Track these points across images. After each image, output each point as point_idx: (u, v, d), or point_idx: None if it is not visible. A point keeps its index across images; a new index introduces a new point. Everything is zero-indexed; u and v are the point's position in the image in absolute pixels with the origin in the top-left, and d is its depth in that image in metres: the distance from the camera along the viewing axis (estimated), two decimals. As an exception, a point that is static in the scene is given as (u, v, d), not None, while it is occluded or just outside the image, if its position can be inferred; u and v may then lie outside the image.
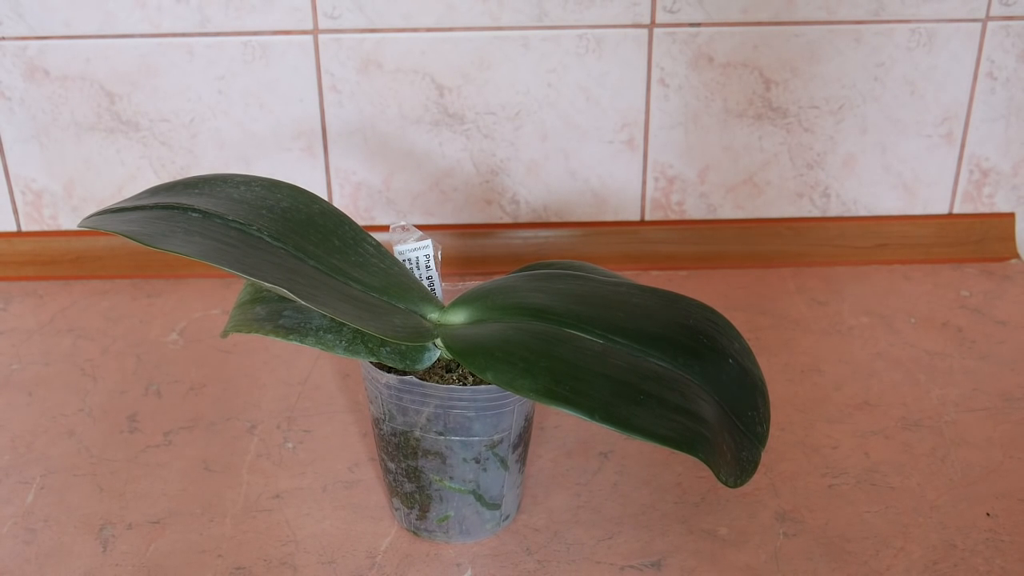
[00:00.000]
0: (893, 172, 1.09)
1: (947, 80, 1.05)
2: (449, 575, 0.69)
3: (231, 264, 0.58)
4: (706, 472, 0.78)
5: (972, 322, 0.99)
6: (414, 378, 0.66)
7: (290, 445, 0.82)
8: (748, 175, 1.08)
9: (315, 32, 1.01)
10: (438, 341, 0.65)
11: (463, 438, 0.67)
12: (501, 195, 1.08)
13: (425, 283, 0.72)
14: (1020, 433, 0.82)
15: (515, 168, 1.07)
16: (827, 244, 1.10)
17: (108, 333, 0.98)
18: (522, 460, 0.71)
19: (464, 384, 0.67)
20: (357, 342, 0.64)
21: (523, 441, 0.70)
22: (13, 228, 1.09)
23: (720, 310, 0.71)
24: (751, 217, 1.10)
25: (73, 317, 1.01)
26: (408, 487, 0.70)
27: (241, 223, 0.64)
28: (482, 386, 0.65)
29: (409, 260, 0.71)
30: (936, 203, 1.10)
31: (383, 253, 0.69)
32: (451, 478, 0.68)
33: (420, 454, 0.68)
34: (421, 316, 0.68)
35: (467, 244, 1.09)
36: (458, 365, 0.69)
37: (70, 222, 1.09)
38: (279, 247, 0.65)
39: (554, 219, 1.10)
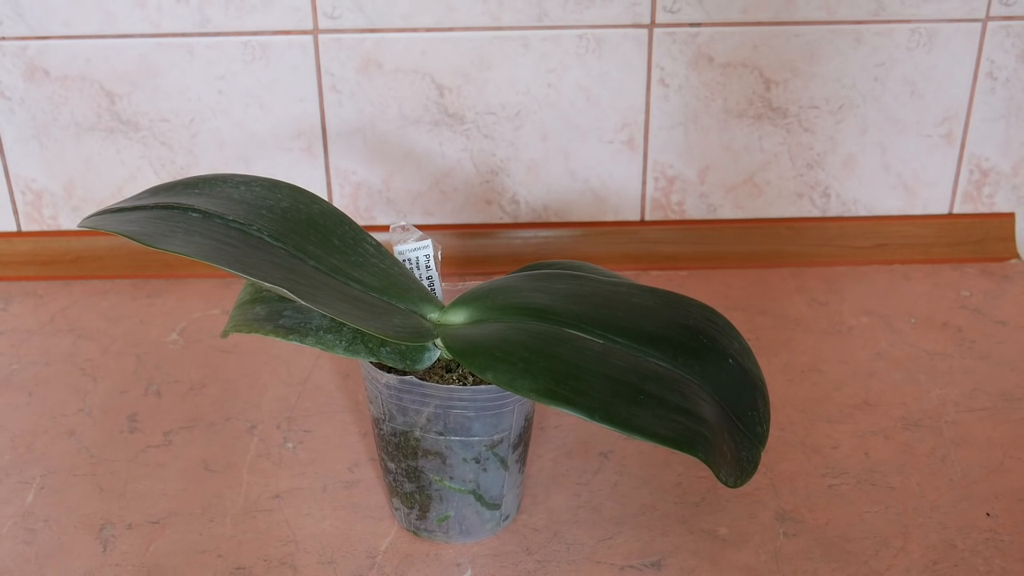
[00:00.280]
0: (893, 172, 1.09)
1: (947, 80, 1.05)
2: (449, 575, 0.69)
3: (231, 264, 0.58)
4: (706, 472, 0.78)
5: (972, 322, 0.99)
6: (414, 378, 0.66)
7: (290, 445, 0.82)
8: (748, 175, 1.08)
9: (315, 32, 1.01)
10: (438, 341, 0.65)
11: (463, 438, 0.67)
12: (501, 195, 1.08)
13: (425, 283, 0.72)
14: (1020, 433, 0.82)
15: (515, 168, 1.07)
16: (827, 244, 1.10)
17: (108, 333, 0.98)
18: (522, 460, 0.71)
19: (464, 384, 0.67)
20: (357, 342, 0.64)
21: (523, 441, 0.70)
22: (13, 228, 1.09)
23: (720, 310, 0.71)
24: (751, 217, 1.10)
25: (73, 317, 1.01)
26: (408, 487, 0.70)
27: (241, 223, 0.64)
28: (482, 386, 0.65)
29: (409, 260, 0.71)
30: (936, 203, 1.10)
31: (383, 253, 0.69)
32: (451, 478, 0.68)
33: (420, 454, 0.68)
34: (421, 316, 0.68)
35: (467, 244, 1.09)
36: (458, 365, 0.69)
37: (70, 222, 1.09)
38: (279, 247, 0.65)
39: (554, 219, 1.10)
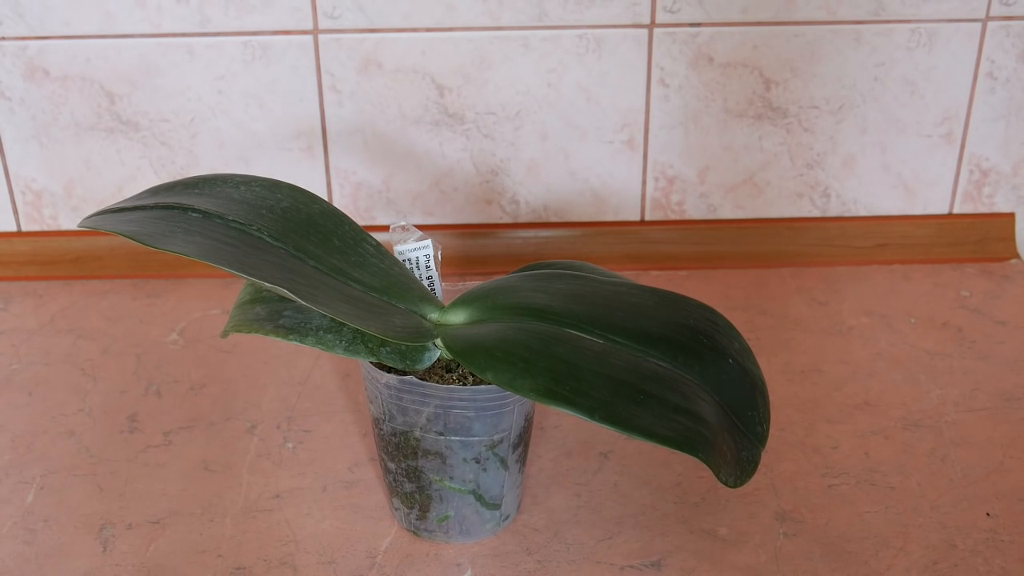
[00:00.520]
0: (893, 172, 1.09)
1: (947, 80, 1.05)
2: (449, 575, 0.69)
3: (231, 264, 0.58)
4: (706, 472, 0.78)
5: (972, 322, 0.99)
6: (414, 378, 0.66)
7: (290, 445, 0.82)
8: (748, 175, 1.08)
9: (315, 32, 1.01)
10: (438, 341, 0.65)
11: (463, 438, 0.67)
12: (501, 195, 1.08)
13: (425, 283, 0.72)
14: (1020, 433, 0.82)
15: (515, 168, 1.07)
16: (827, 244, 1.10)
17: (108, 333, 0.98)
18: (522, 460, 0.71)
19: (464, 384, 0.67)
20: (357, 342, 0.64)
21: (523, 441, 0.70)
22: (13, 228, 1.09)
23: (720, 310, 0.71)
24: (751, 217, 1.10)
25: (73, 317, 1.01)
26: (408, 487, 0.70)
27: (241, 223, 0.64)
28: (482, 386, 0.65)
29: (409, 260, 0.71)
30: (936, 203, 1.10)
31: (383, 253, 0.69)
32: (451, 478, 0.68)
33: (420, 454, 0.68)
34: (421, 316, 0.68)
35: (467, 244, 1.09)
36: (458, 365, 0.69)
37: (70, 222, 1.09)
38: (279, 247, 0.65)
39: (554, 219, 1.10)
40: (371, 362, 0.67)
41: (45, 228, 1.09)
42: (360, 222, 1.07)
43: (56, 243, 1.08)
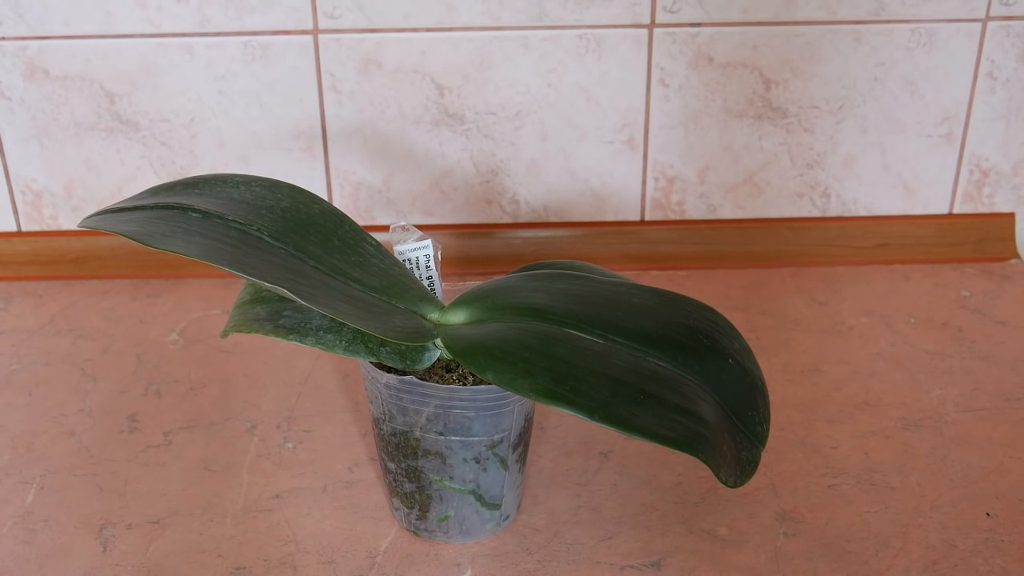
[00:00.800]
0: (893, 172, 1.09)
1: (947, 80, 1.05)
2: (449, 575, 0.69)
3: (231, 264, 0.58)
4: (706, 472, 0.78)
5: (972, 322, 0.99)
6: (414, 378, 0.66)
7: (290, 445, 0.82)
8: (748, 175, 1.08)
9: (315, 32, 1.01)
10: (438, 341, 0.65)
11: (463, 438, 0.67)
12: (501, 195, 1.08)
13: (425, 283, 0.72)
14: (1020, 433, 0.82)
15: (515, 168, 1.07)
16: (827, 244, 1.10)
17: (108, 333, 0.98)
18: (522, 460, 0.71)
19: (464, 384, 0.67)
20: (357, 342, 0.64)
21: (523, 441, 0.70)
22: (13, 228, 1.09)
23: (720, 310, 0.71)
24: (751, 217, 1.10)
25: (73, 317, 1.01)
26: (408, 487, 0.70)
27: (241, 223, 0.64)
28: (482, 386, 0.65)
29: (409, 260, 0.71)
30: (936, 203, 1.10)
31: (383, 253, 0.69)
32: (451, 478, 0.68)
33: (420, 454, 0.68)
34: (421, 316, 0.68)
35: (467, 244, 1.09)
36: (458, 365, 0.69)
37: (70, 222, 1.09)
38: (279, 247, 0.65)
39: (554, 219, 1.10)
40: (371, 362, 0.67)
41: (45, 228, 1.09)
42: (360, 222, 1.07)
43: (56, 243, 1.08)
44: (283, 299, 0.66)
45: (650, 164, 1.07)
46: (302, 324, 0.64)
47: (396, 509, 0.73)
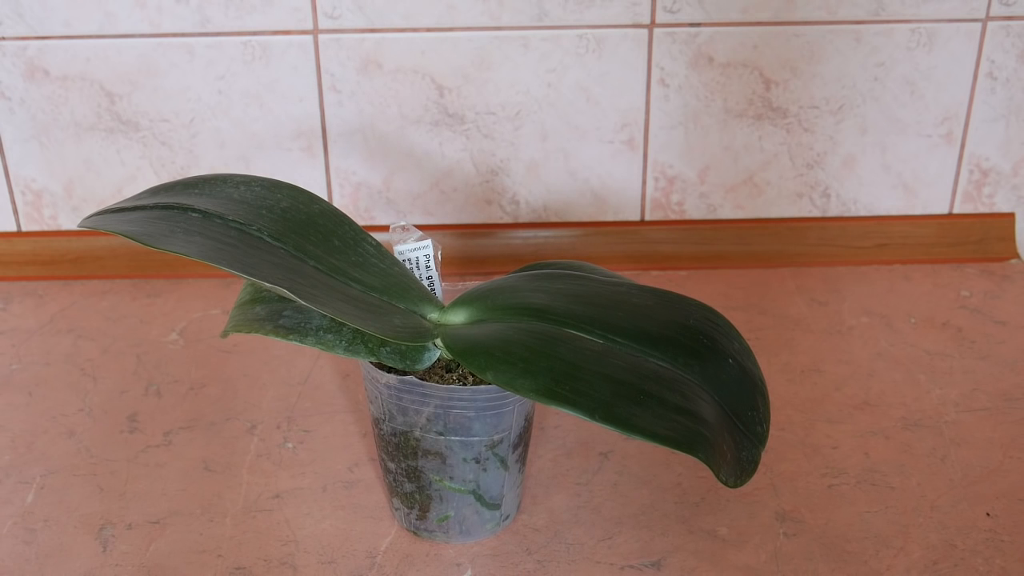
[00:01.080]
0: (893, 172, 1.09)
1: (947, 80, 1.05)
2: (449, 575, 0.69)
3: (231, 264, 0.58)
4: (706, 472, 0.78)
5: (972, 322, 0.99)
6: (414, 378, 0.66)
7: (290, 445, 0.82)
8: (748, 175, 1.08)
9: (315, 32, 1.01)
10: (438, 341, 0.65)
11: (463, 438, 0.67)
12: (501, 195, 1.08)
13: (425, 283, 0.72)
14: (1020, 433, 0.82)
15: (515, 168, 1.07)
16: (827, 244, 1.10)
17: (108, 333, 0.98)
18: (522, 460, 0.71)
19: (464, 384, 0.67)
20: (357, 342, 0.64)
21: (523, 441, 0.70)
22: (13, 228, 1.09)
23: (720, 310, 0.71)
24: (751, 217, 1.10)
25: (73, 317, 1.01)
26: (408, 487, 0.70)
27: (241, 223, 0.64)
28: (482, 386, 0.65)
29: (409, 260, 0.71)
30: (936, 203, 1.10)
31: (383, 253, 0.69)
32: (451, 478, 0.68)
33: (420, 454, 0.68)
34: (421, 316, 0.68)
35: (467, 244, 1.09)
36: (458, 365, 0.69)
37: (70, 222, 1.09)
38: (279, 247, 0.65)
39: (554, 219, 1.10)
40: (371, 362, 0.67)
41: (45, 228, 1.09)
42: (360, 222, 1.07)
43: (56, 243, 1.08)
44: (283, 299, 0.66)
45: (650, 164, 1.07)
46: (302, 324, 0.64)
47: (396, 509, 0.73)
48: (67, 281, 1.08)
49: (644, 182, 1.08)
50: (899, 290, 1.05)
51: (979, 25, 1.02)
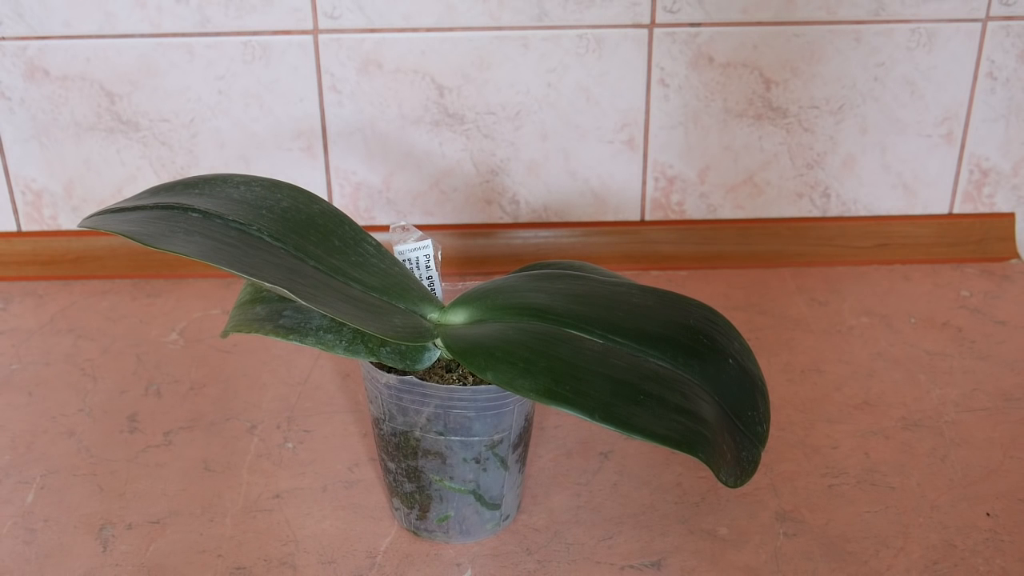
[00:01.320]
0: (893, 172, 1.09)
1: (947, 80, 1.05)
2: (449, 575, 0.69)
3: (231, 264, 0.58)
4: (706, 472, 0.78)
5: (972, 322, 0.99)
6: (414, 378, 0.66)
7: (290, 445, 0.82)
8: (748, 175, 1.08)
9: (315, 32, 1.01)
10: (438, 341, 0.65)
11: (463, 438, 0.67)
12: (501, 195, 1.08)
13: (425, 283, 0.72)
14: (1020, 433, 0.82)
15: (515, 168, 1.07)
16: (827, 244, 1.10)
17: (108, 333, 0.98)
18: (522, 460, 0.71)
19: (464, 384, 0.67)
20: (357, 342, 0.64)
21: (523, 441, 0.70)
22: (13, 228, 1.09)
23: (720, 310, 0.71)
24: (751, 217, 1.10)
25: (73, 317, 1.01)
26: (408, 487, 0.70)
27: (241, 223, 0.64)
28: (482, 386, 0.65)
29: (409, 260, 0.71)
30: (936, 203, 1.10)
31: (383, 253, 0.69)
32: (451, 478, 0.68)
33: (420, 454, 0.68)
34: (421, 316, 0.68)
35: (467, 244, 1.09)
36: (458, 365, 0.69)
37: (70, 222, 1.09)
38: (279, 247, 0.65)
39: (554, 219, 1.10)
40: (371, 362, 0.67)
41: (45, 228, 1.09)
42: (360, 222, 1.07)
43: (56, 243, 1.08)
44: (283, 299, 0.66)
45: (650, 164, 1.07)
46: (302, 324, 0.64)
47: (396, 509, 0.73)
48: (67, 281, 1.08)
49: (644, 182, 1.08)
50: (899, 290, 1.05)
51: (979, 25, 1.02)
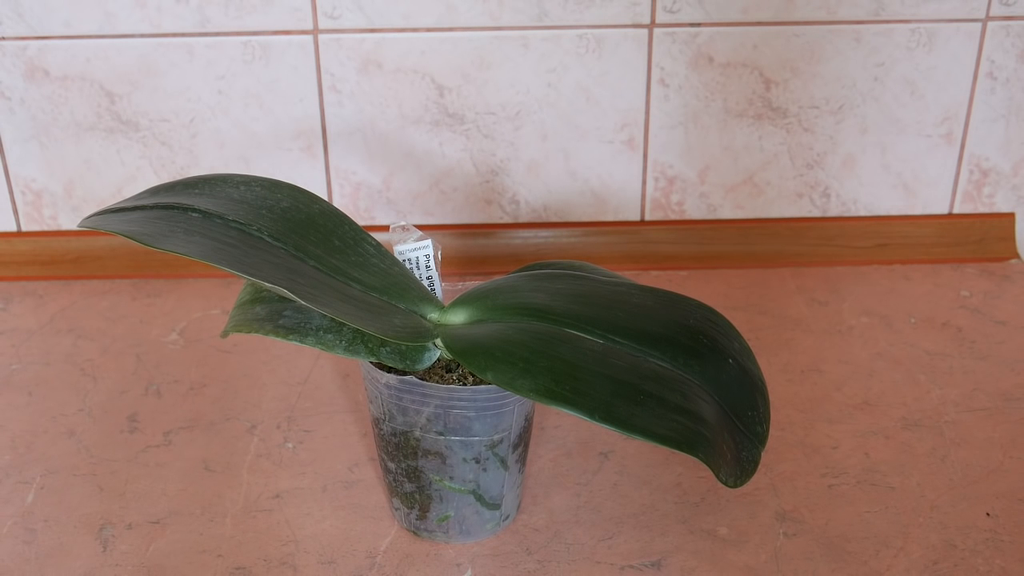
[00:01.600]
0: (893, 172, 1.09)
1: (947, 80, 1.05)
2: (449, 575, 0.69)
3: (231, 264, 0.58)
4: (706, 472, 0.78)
5: (972, 322, 0.99)
6: (414, 378, 0.66)
7: (290, 445, 0.82)
8: (748, 175, 1.08)
9: (315, 32, 1.01)
10: (438, 341, 0.65)
11: (463, 438, 0.67)
12: (501, 195, 1.08)
13: (425, 283, 0.72)
14: (1020, 433, 0.82)
15: (515, 168, 1.07)
16: (827, 244, 1.10)
17: (108, 333, 0.98)
18: (522, 460, 0.71)
19: (464, 384, 0.67)
20: (357, 342, 0.64)
21: (523, 441, 0.70)
22: (13, 228, 1.09)
23: (720, 310, 0.71)
24: (751, 217, 1.10)
25: (73, 317, 1.01)
26: (408, 487, 0.70)
27: (241, 223, 0.64)
28: (482, 386, 0.65)
29: (409, 260, 0.71)
30: (936, 203, 1.10)
31: (383, 253, 0.69)
32: (451, 478, 0.68)
33: (420, 454, 0.68)
34: (421, 316, 0.68)
35: (467, 244, 1.09)
36: (458, 365, 0.69)
37: (70, 222, 1.09)
38: (279, 247, 0.65)
39: (554, 219, 1.10)
40: (371, 362, 0.67)
41: (45, 228, 1.09)
42: (360, 222, 1.07)
43: (56, 243, 1.08)
44: (283, 299, 0.66)
45: (650, 164, 1.07)
46: (302, 324, 0.64)
47: (396, 509, 0.73)
48: (67, 281, 1.08)
49: (644, 182, 1.08)
50: (899, 290, 1.05)
51: (979, 25, 1.02)
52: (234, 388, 0.89)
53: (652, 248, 1.10)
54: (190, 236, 0.61)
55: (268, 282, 0.57)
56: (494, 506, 0.70)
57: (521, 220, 1.09)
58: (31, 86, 1.02)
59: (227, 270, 0.57)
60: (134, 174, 1.06)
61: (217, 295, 1.05)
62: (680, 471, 0.78)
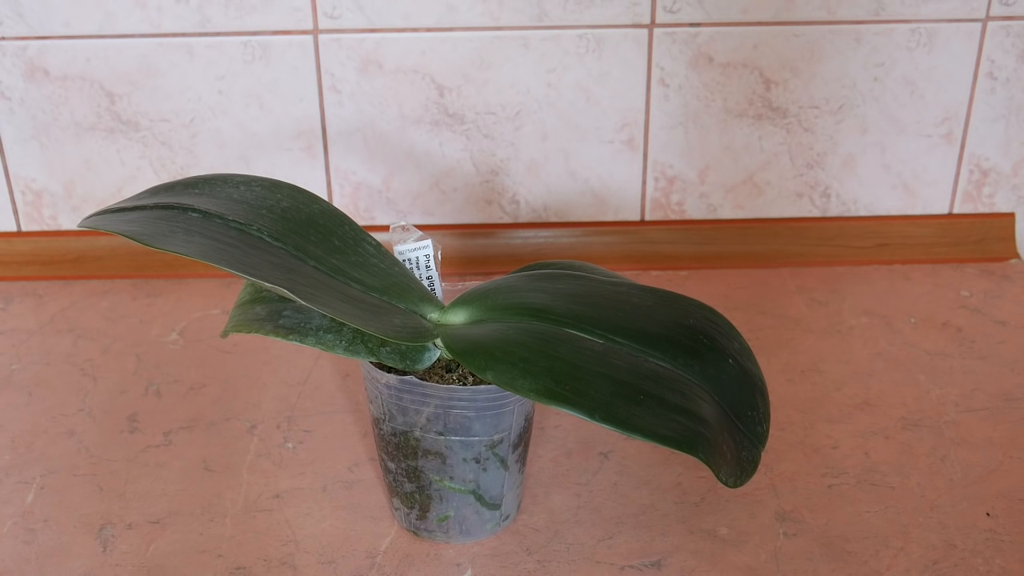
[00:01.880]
0: (893, 172, 1.09)
1: (947, 80, 1.05)
2: (449, 575, 0.69)
3: (231, 264, 0.58)
4: (706, 472, 0.78)
5: (972, 322, 0.99)
6: (414, 378, 0.66)
7: (290, 445, 0.82)
8: (748, 175, 1.08)
9: (315, 32, 1.01)
10: (438, 341, 0.65)
11: (463, 438, 0.67)
12: (501, 195, 1.08)
13: (425, 283, 0.72)
14: (1020, 433, 0.82)
15: (515, 168, 1.07)
16: (827, 244, 1.10)
17: (108, 333, 0.98)
18: (522, 460, 0.71)
19: (464, 384, 0.67)
20: (357, 342, 0.64)
21: (523, 441, 0.70)
22: (13, 228, 1.09)
23: (720, 310, 0.71)
24: (751, 217, 1.10)
25: (73, 317, 1.01)
26: (408, 487, 0.70)
27: (241, 223, 0.64)
28: (482, 386, 0.65)
29: (409, 260, 0.71)
30: (936, 203, 1.10)
31: (383, 253, 0.69)
32: (451, 478, 0.68)
33: (420, 454, 0.68)
34: (421, 316, 0.68)
35: (467, 244, 1.09)
36: (458, 365, 0.69)
37: (70, 222, 1.09)
38: (279, 247, 0.65)
39: (554, 219, 1.10)
40: (371, 362, 0.67)
41: (45, 228, 1.09)
42: (360, 222, 1.07)
43: (56, 243, 1.08)
44: (283, 299, 0.66)
45: (650, 164, 1.07)
46: (302, 324, 0.64)
47: (396, 509, 0.73)
48: (67, 281, 1.08)
49: (644, 182, 1.08)
50: (899, 290, 1.05)
51: (979, 25, 1.02)
52: (234, 388, 0.89)
53: (652, 248, 1.10)
54: (190, 236, 0.61)
55: (268, 282, 0.57)
56: (494, 506, 0.71)
57: (521, 220, 1.09)
58: (31, 86, 1.02)
59: (227, 270, 0.57)
60: (134, 174, 1.06)
61: (217, 295, 1.05)
62: (680, 471, 0.78)
